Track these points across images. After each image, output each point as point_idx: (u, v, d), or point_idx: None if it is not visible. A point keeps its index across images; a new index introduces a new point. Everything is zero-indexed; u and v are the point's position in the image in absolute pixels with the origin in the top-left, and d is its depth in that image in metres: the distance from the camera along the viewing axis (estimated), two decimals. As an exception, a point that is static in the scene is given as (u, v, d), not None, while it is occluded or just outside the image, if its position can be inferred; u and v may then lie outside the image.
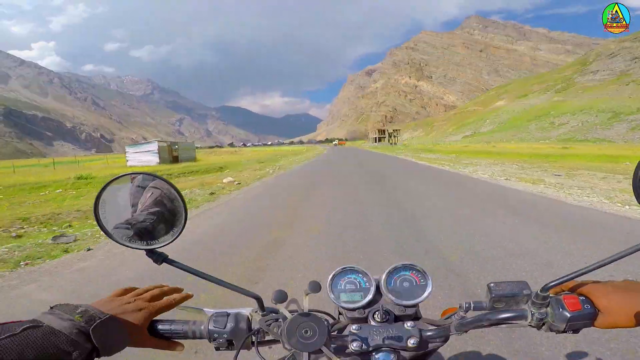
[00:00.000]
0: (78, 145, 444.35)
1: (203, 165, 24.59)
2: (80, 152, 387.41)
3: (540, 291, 0.59)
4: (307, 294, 0.63)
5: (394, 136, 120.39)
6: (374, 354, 0.63)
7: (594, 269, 0.56)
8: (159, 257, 0.64)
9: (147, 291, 0.67)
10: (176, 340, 0.67)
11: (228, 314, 0.67)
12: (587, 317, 0.57)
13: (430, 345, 0.66)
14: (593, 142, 69.60)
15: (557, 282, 0.59)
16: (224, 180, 12.64)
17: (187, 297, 0.71)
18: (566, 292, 0.62)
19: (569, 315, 0.57)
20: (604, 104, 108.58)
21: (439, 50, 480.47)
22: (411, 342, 0.62)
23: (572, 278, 0.58)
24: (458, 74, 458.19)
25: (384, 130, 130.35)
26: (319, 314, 0.64)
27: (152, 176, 0.66)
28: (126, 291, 0.66)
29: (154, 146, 33.43)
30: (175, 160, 34.22)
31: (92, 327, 0.52)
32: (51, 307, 0.54)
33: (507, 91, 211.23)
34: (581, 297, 0.59)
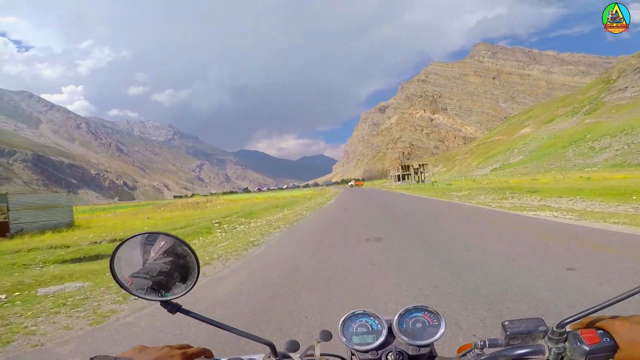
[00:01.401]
0: (102, 193, 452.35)
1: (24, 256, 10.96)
2: (103, 200, 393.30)
3: (557, 327, 0.58)
4: (318, 342, 0.65)
5: (421, 172, 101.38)
6: None
7: (610, 305, 0.56)
8: (173, 307, 0.67)
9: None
10: None
11: None
12: (607, 350, 0.56)
13: None
14: (652, 166, 60.43)
15: (573, 318, 0.58)
16: None
17: (210, 352, 0.72)
18: (584, 327, 0.61)
19: (587, 348, 0.56)
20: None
21: (451, 80, 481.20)
22: None
23: (589, 314, 0.58)
24: (474, 103, 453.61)
25: (408, 166, 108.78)
26: (332, 359, 0.65)
27: (161, 234, 0.72)
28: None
29: None
30: (1, 230, 18.59)
31: None
32: (91, 358, 0.56)
33: (531, 117, 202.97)
34: (599, 331, 0.58)
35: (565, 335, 0.58)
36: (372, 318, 0.74)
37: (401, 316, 0.73)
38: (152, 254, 0.70)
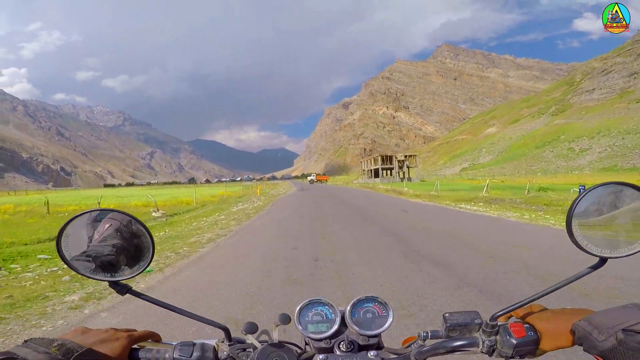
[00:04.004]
0: (33, 177, 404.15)
1: None
2: (34, 186, 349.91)
3: (490, 320, 0.64)
4: (277, 325, 0.65)
5: (408, 167, 75.65)
6: None
7: (538, 298, 0.63)
8: (122, 289, 0.64)
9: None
10: None
11: (194, 344, 0.66)
12: (531, 343, 0.62)
13: None
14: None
15: (504, 311, 0.65)
16: None
17: (158, 336, 0.71)
18: (513, 320, 0.68)
19: (515, 342, 0.62)
20: (623, 124, 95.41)
21: (415, 79, 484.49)
22: None
23: (518, 307, 0.65)
24: (435, 103, 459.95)
25: (390, 158, 78.12)
26: (287, 345, 0.65)
27: (121, 214, 0.67)
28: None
29: None
30: None
31: None
32: (25, 341, 0.54)
33: (495, 117, 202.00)
34: (526, 325, 0.64)
35: (497, 328, 0.64)
36: (327, 307, 0.77)
37: (354, 306, 0.76)
38: (97, 235, 0.66)
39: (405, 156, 79.28)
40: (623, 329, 0.50)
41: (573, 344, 0.59)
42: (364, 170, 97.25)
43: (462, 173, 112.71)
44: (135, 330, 0.68)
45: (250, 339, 0.64)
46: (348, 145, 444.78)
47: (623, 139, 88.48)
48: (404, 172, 75.12)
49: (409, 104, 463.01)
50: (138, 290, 0.66)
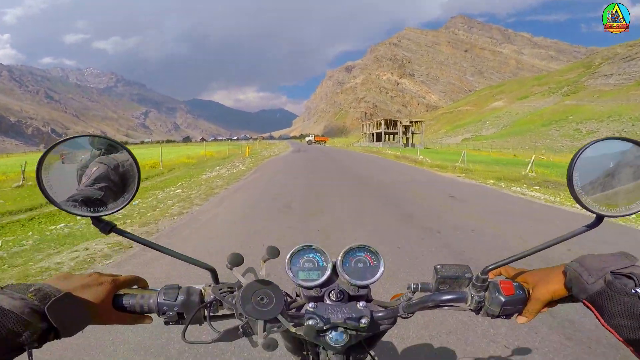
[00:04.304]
0: (23, 140, 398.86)
1: None
2: (25, 148, 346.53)
3: (481, 274, 0.62)
4: (264, 260, 0.60)
5: (412, 133, 72.47)
6: (328, 332, 0.64)
7: (530, 254, 0.60)
8: (106, 226, 0.60)
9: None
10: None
11: (179, 287, 0.64)
12: (519, 302, 0.61)
13: (381, 327, 0.68)
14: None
15: (495, 265, 0.63)
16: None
17: (144, 281, 0.68)
18: (503, 278, 0.66)
19: (503, 299, 0.61)
20: (635, 111, 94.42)
21: (423, 48, 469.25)
22: (363, 322, 0.63)
23: (511, 262, 0.63)
24: (441, 73, 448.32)
25: (394, 122, 75.58)
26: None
27: (104, 138, 0.62)
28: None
29: None
30: None
31: (46, 305, 0.48)
32: (1, 287, 0.51)
33: (503, 91, 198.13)
34: (515, 283, 0.63)
35: (487, 284, 0.63)
36: (319, 254, 0.75)
37: (345, 254, 0.74)
38: (84, 179, 0.61)
39: (411, 122, 77.14)
40: (611, 272, 0.51)
41: (565, 289, 0.58)
42: (365, 134, 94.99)
43: (464, 143, 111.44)
44: (120, 276, 0.65)
45: (236, 273, 0.59)
46: (349, 108, 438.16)
47: (633, 125, 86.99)
48: (407, 138, 73.62)
49: (414, 72, 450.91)
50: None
